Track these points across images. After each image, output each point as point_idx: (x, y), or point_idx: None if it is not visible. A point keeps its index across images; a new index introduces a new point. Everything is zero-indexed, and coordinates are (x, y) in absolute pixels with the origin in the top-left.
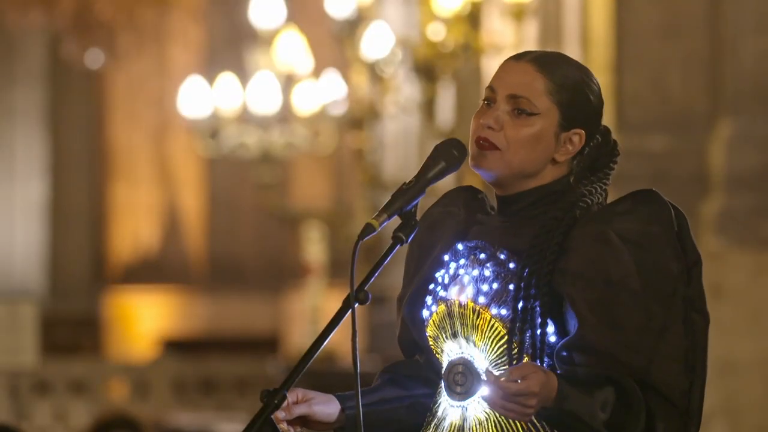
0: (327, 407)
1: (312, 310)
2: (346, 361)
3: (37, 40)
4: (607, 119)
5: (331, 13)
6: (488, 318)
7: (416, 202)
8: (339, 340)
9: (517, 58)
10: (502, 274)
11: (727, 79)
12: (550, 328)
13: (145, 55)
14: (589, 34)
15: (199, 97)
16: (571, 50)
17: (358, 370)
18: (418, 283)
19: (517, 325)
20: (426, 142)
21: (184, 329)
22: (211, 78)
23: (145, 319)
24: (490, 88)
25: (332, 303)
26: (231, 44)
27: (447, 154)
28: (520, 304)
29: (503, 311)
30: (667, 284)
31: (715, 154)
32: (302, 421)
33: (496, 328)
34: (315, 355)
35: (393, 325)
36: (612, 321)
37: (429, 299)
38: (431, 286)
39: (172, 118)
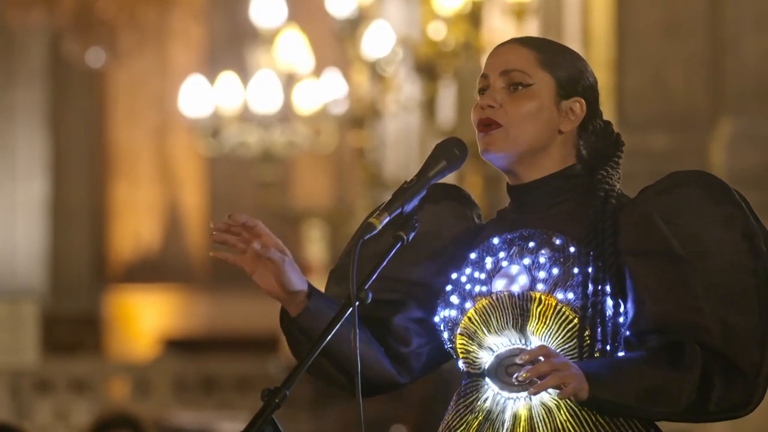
0: (295, 275)
1: None
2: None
3: (39, 38)
4: (608, 117)
5: (332, 12)
6: (554, 304)
7: (417, 200)
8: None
9: (502, 43)
10: (562, 259)
11: (728, 78)
12: (621, 308)
13: (146, 54)
14: (590, 32)
15: (201, 96)
16: (572, 48)
17: (359, 370)
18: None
19: (589, 309)
20: (427, 141)
21: (185, 328)
22: (212, 77)
23: (146, 318)
24: (483, 75)
25: None
26: (232, 43)
27: (448, 153)
28: (590, 287)
29: (570, 295)
30: (736, 258)
31: (716, 153)
32: (254, 265)
33: (564, 313)
34: (316, 354)
35: None
36: (680, 294)
37: (454, 299)
38: (449, 288)
39: (173, 117)
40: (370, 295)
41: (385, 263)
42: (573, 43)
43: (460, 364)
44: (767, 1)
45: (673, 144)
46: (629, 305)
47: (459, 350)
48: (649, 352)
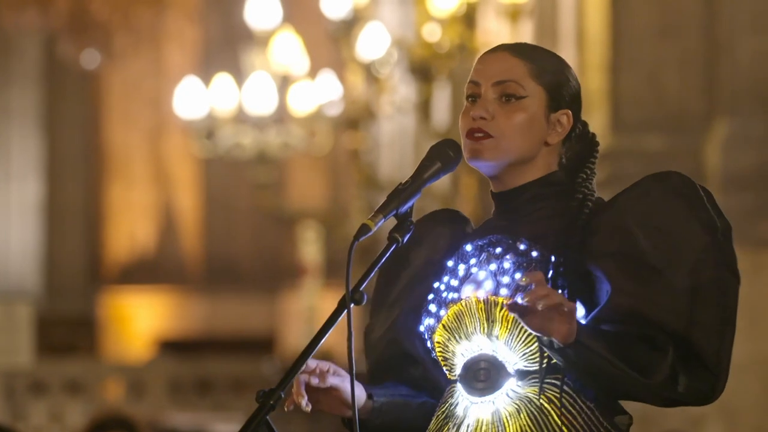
0: (358, 388)
1: (308, 310)
2: (342, 361)
3: (33, 40)
4: (603, 119)
5: (326, 14)
6: None
7: (412, 202)
8: (335, 340)
9: (492, 50)
10: (525, 264)
11: (723, 79)
12: (581, 312)
13: (140, 56)
14: (585, 34)
15: (195, 98)
16: (567, 50)
17: (353, 371)
18: (410, 302)
19: None
20: (422, 143)
21: (179, 329)
22: (206, 78)
23: (140, 319)
24: (473, 83)
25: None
26: (227, 45)
27: (443, 154)
28: None
29: None
30: (699, 251)
31: (711, 154)
32: (318, 397)
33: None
34: (311, 356)
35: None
36: (646, 285)
37: (432, 307)
38: (431, 297)
39: (168, 119)
40: (365, 297)
41: (380, 265)
42: (568, 44)
43: (444, 370)
44: (762, 3)
45: (668, 145)
46: (601, 301)
47: (439, 357)
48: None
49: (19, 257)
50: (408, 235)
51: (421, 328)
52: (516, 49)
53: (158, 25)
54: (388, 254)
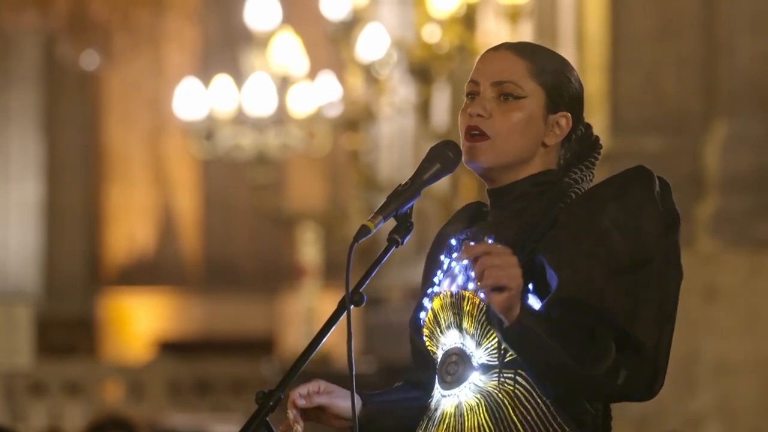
0: (347, 401)
1: (307, 312)
2: (341, 362)
3: (32, 41)
4: (602, 120)
5: (326, 15)
6: (477, 302)
7: (411, 203)
8: (334, 341)
9: (494, 49)
10: None
11: (721, 80)
12: (536, 304)
13: (140, 57)
14: (584, 35)
15: (194, 99)
16: (566, 51)
17: (354, 372)
18: (420, 297)
19: None
20: (421, 144)
21: (179, 330)
22: (206, 79)
23: (140, 321)
24: (472, 81)
25: (327, 304)
26: (226, 46)
27: (442, 156)
28: None
29: None
30: (645, 243)
31: (709, 156)
32: (317, 413)
33: (485, 311)
34: (310, 357)
35: (388, 327)
36: (587, 274)
37: (426, 301)
38: (429, 290)
39: (167, 120)
40: (365, 298)
41: (379, 267)
42: (567, 45)
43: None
44: (761, 4)
45: (667, 146)
46: (551, 287)
47: (430, 350)
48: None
49: (18, 258)
50: (408, 236)
51: (421, 323)
52: (518, 49)
53: (157, 25)
54: (387, 255)
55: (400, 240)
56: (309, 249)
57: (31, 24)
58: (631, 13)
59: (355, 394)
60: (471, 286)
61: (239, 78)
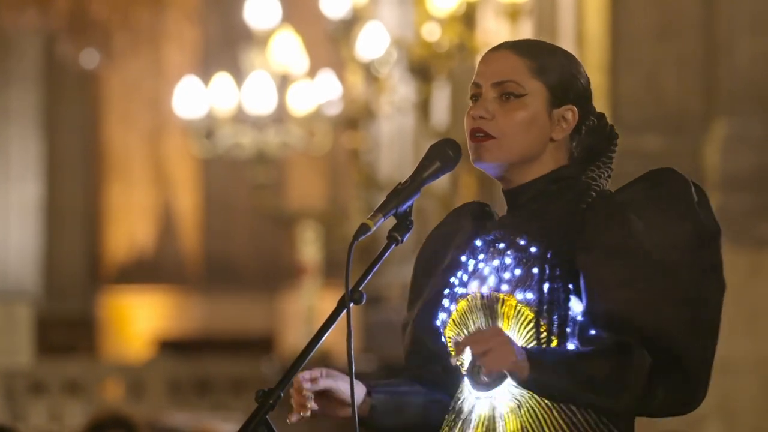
0: (356, 387)
1: (307, 311)
2: (341, 361)
3: (32, 40)
4: None
5: (326, 14)
6: (514, 304)
7: (411, 202)
8: (334, 340)
9: (495, 49)
10: (524, 260)
11: (721, 80)
12: (578, 308)
13: (140, 56)
14: (584, 34)
15: (194, 98)
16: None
17: (353, 370)
18: (428, 296)
19: (544, 307)
20: (421, 142)
21: (179, 329)
22: (206, 78)
23: (140, 320)
24: (475, 84)
25: (327, 303)
26: (226, 44)
27: (442, 154)
28: (546, 286)
29: (529, 295)
30: (684, 254)
31: (709, 155)
32: (321, 404)
33: (523, 313)
34: (310, 355)
35: (388, 326)
36: (630, 289)
37: (446, 302)
38: (446, 291)
39: (167, 119)
40: (364, 297)
41: (378, 265)
42: (567, 45)
43: (458, 365)
44: (761, 4)
45: (667, 146)
46: (584, 301)
47: (452, 352)
48: (599, 346)
49: (18, 258)
50: (407, 234)
51: (437, 323)
52: (516, 47)
53: (157, 25)
54: (387, 253)
55: (399, 238)
56: (309, 248)
57: (31, 24)
58: (631, 13)
59: (358, 382)
60: (504, 288)
61: (239, 77)
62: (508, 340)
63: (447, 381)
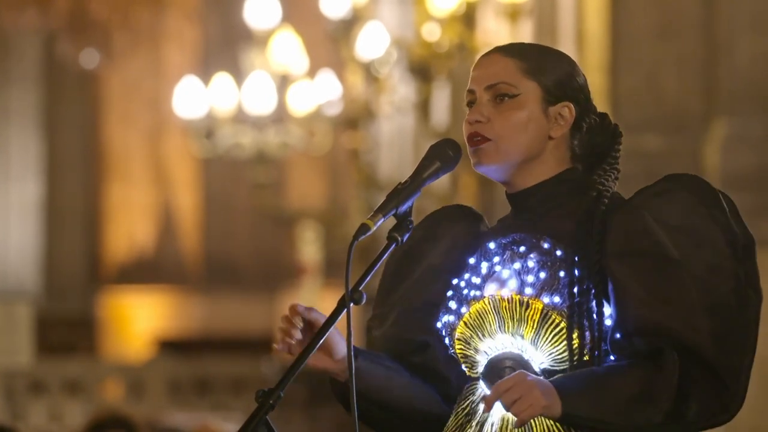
0: (340, 345)
1: None
2: None
3: (32, 40)
4: None
5: (326, 13)
6: (540, 308)
7: (411, 202)
8: None
9: (486, 54)
10: (549, 263)
11: (721, 80)
12: (607, 311)
13: (140, 56)
14: (584, 34)
15: (194, 98)
16: (566, 50)
17: (353, 370)
18: (424, 297)
19: (576, 310)
20: (421, 143)
21: (179, 329)
22: (206, 78)
23: (140, 320)
24: (469, 90)
25: (327, 303)
26: (226, 44)
27: (442, 154)
28: (576, 289)
29: (556, 299)
30: (718, 262)
31: (710, 155)
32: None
33: (551, 317)
34: (310, 355)
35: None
36: (663, 296)
37: (452, 304)
38: (450, 293)
39: (167, 119)
40: (364, 297)
41: (378, 265)
42: (567, 45)
43: (463, 368)
44: (761, 4)
45: (667, 145)
46: (613, 307)
47: (458, 354)
48: (628, 361)
49: (18, 257)
50: (407, 234)
51: (439, 325)
52: (506, 49)
53: (157, 25)
54: (387, 253)
55: (399, 238)
56: (309, 248)
57: (31, 23)
58: (631, 13)
59: (342, 339)
60: (528, 291)
61: (239, 77)
62: (535, 384)
63: (427, 375)
